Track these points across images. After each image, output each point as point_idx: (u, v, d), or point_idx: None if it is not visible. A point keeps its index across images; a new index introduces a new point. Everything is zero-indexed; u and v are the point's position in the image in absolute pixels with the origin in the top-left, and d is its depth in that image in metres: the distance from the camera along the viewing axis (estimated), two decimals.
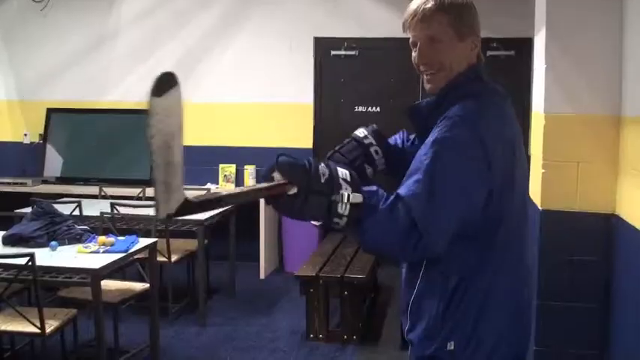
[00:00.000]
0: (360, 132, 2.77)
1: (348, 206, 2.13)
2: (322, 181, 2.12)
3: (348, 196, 2.13)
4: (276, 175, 2.12)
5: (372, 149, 2.73)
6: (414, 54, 2.45)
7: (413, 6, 2.42)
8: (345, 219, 2.15)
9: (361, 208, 2.15)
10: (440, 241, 2.22)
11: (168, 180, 1.94)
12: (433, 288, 2.36)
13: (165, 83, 1.92)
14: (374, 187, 2.22)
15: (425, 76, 2.45)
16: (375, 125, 2.81)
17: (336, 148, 2.78)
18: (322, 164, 2.16)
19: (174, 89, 1.93)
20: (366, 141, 2.73)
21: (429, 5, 2.37)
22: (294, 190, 2.11)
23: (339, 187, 2.14)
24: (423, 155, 2.26)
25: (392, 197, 2.19)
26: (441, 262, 2.33)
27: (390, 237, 2.19)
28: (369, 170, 2.70)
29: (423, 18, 2.38)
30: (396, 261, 2.30)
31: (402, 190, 2.22)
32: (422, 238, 2.16)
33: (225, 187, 9.02)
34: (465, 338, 2.34)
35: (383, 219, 2.16)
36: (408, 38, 2.45)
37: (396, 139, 2.84)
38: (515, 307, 2.45)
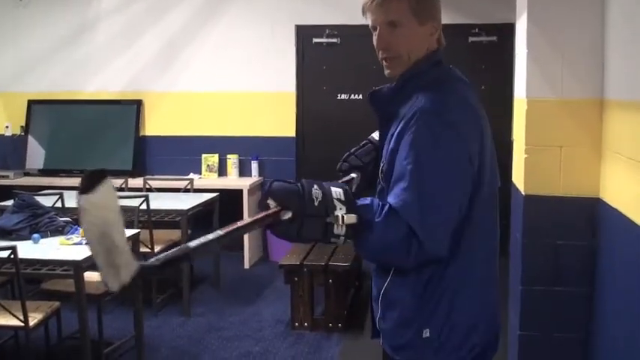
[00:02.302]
0: (377, 134, 2.74)
1: (344, 227, 2.15)
2: (316, 204, 2.13)
3: (343, 217, 2.14)
4: (271, 202, 2.14)
5: None
6: (374, 38, 2.44)
7: None
8: (342, 238, 2.17)
9: (357, 225, 2.16)
10: (443, 243, 2.24)
11: (113, 261, 1.91)
12: (407, 278, 2.36)
13: (93, 180, 1.89)
14: (368, 200, 2.23)
15: (384, 62, 2.46)
16: None
17: (352, 150, 2.81)
18: (315, 186, 2.17)
19: (103, 184, 1.89)
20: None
21: None
22: (288, 215, 2.12)
23: (334, 208, 2.15)
24: (404, 160, 2.24)
25: (385, 209, 2.19)
26: None
27: (390, 248, 2.20)
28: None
29: (382, 2, 2.37)
30: (402, 268, 2.30)
31: (392, 200, 2.22)
32: (423, 244, 2.17)
33: (208, 176, 8.99)
34: (439, 325, 2.35)
35: (380, 232, 2.17)
36: None
37: None
38: (489, 291, 2.48)
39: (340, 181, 2.62)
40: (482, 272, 2.42)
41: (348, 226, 2.15)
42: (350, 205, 2.17)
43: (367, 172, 2.72)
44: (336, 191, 2.18)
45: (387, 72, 2.46)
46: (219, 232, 2.10)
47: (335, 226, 2.14)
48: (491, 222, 2.46)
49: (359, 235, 2.18)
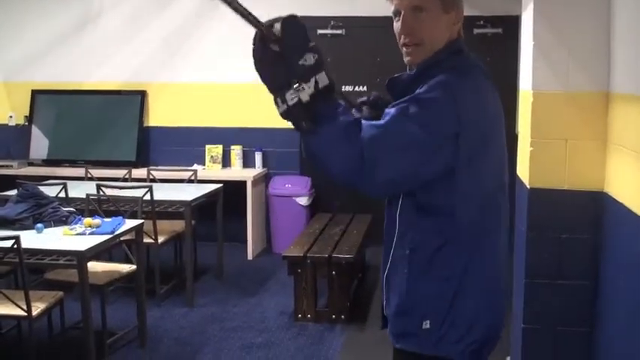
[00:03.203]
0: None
1: (295, 100, 2.09)
2: (299, 62, 2.08)
3: (302, 89, 2.08)
4: (277, 26, 2.07)
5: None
6: (396, 24, 2.41)
7: None
8: (285, 107, 2.11)
9: (307, 109, 2.10)
10: (377, 183, 2.20)
11: None
12: (402, 264, 2.37)
13: None
14: (353, 110, 2.20)
15: (405, 48, 2.42)
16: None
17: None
18: (316, 55, 2.09)
19: None
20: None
21: None
22: (275, 48, 2.08)
23: (307, 80, 2.08)
24: (397, 105, 2.25)
25: (356, 121, 2.17)
26: (411, 238, 2.34)
27: (337, 151, 2.15)
28: None
29: None
30: (330, 176, 2.22)
31: (364, 121, 2.20)
32: (363, 169, 2.14)
33: (211, 167, 8.98)
34: (441, 317, 2.35)
35: (338, 131, 2.13)
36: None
37: None
38: (494, 283, 2.45)
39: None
40: (488, 264, 2.40)
41: (296, 104, 2.09)
42: (320, 94, 2.09)
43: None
44: (324, 78, 2.10)
45: (406, 59, 2.43)
46: None
47: (290, 90, 2.08)
48: (499, 217, 2.45)
49: (316, 120, 2.13)
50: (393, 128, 2.17)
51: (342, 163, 2.16)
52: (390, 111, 2.24)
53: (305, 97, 2.08)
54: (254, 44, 2.11)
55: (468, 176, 2.26)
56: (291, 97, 2.09)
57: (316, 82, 2.08)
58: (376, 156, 2.13)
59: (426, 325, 2.34)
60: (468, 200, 2.30)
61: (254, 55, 2.12)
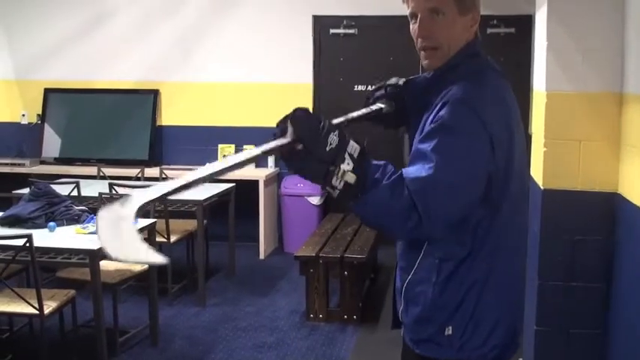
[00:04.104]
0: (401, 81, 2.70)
1: (342, 182, 2.11)
2: (327, 149, 2.09)
3: (344, 171, 2.10)
4: (289, 128, 2.09)
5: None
6: (413, 26, 2.38)
7: None
8: (337, 192, 2.13)
9: (358, 186, 2.12)
10: (439, 228, 2.21)
11: None
12: (430, 273, 2.35)
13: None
14: (383, 162, 2.19)
15: (423, 52, 2.39)
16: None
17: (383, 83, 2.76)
18: (337, 132, 2.11)
19: None
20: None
21: None
22: (299, 147, 2.09)
23: (342, 160, 2.10)
24: (425, 142, 2.21)
25: (396, 175, 2.16)
26: (440, 247, 2.32)
27: (389, 213, 2.16)
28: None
29: None
30: (393, 237, 2.27)
31: (405, 171, 2.18)
32: (422, 223, 2.13)
33: None
34: (463, 323, 2.34)
35: (384, 195, 2.13)
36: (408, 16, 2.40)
37: None
38: (514, 291, 2.45)
39: (368, 108, 2.67)
40: (509, 271, 2.39)
41: (346, 184, 2.11)
42: (359, 164, 2.13)
43: (397, 107, 2.65)
44: (353, 146, 2.13)
45: (424, 62, 2.41)
46: (237, 158, 2.07)
47: (335, 177, 2.11)
48: (520, 220, 2.44)
49: (363, 193, 2.14)
50: (437, 175, 2.14)
51: (399, 222, 2.17)
52: (424, 149, 2.20)
53: (350, 178, 2.12)
54: (281, 156, 2.15)
55: (499, 184, 2.25)
56: (337, 182, 2.12)
57: (350, 156, 2.12)
58: (430, 207, 2.13)
59: (449, 331, 2.34)
60: (495, 209, 2.29)
61: (286, 163, 2.16)
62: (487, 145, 2.19)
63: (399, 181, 2.14)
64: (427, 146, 2.19)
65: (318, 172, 2.12)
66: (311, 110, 2.14)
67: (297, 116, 2.10)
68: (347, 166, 2.10)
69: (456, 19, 2.33)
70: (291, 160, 2.13)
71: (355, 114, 2.59)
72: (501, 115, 2.28)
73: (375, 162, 2.18)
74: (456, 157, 2.17)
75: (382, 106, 2.68)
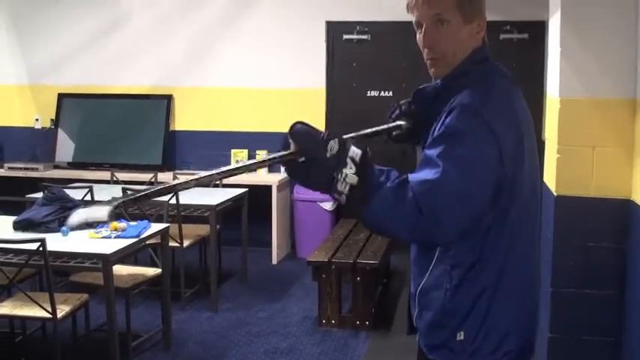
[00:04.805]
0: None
1: (347, 185, 2.13)
2: (328, 155, 2.13)
3: (347, 175, 2.12)
4: (292, 143, 2.16)
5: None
6: (419, 36, 2.39)
7: None
8: (344, 196, 2.15)
9: (362, 188, 2.13)
10: (450, 232, 2.20)
11: None
12: (442, 279, 2.35)
13: None
14: (387, 168, 2.20)
15: (429, 61, 2.40)
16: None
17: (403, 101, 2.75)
18: (335, 140, 2.15)
19: None
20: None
21: None
22: (302, 159, 2.15)
23: (344, 165, 2.13)
24: (433, 148, 2.21)
25: (401, 178, 2.17)
26: (450, 253, 2.32)
27: (394, 216, 2.15)
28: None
29: None
30: (399, 240, 2.27)
31: (411, 176, 2.19)
32: (429, 228, 2.14)
33: None
34: (475, 329, 2.33)
35: (388, 198, 2.14)
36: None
37: None
38: (526, 297, 2.43)
39: (387, 126, 2.67)
40: (521, 278, 2.38)
41: (352, 187, 2.13)
42: (361, 168, 2.14)
43: (416, 123, 2.66)
44: (355, 151, 2.16)
45: (431, 71, 2.41)
46: (243, 163, 2.24)
47: (339, 182, 2.13)
48: (531, 226, 2.42)
49: (367, 197, 2.14)
50: (444, 180, 2.14)
51: (403, 224, 2.17)
52: (430, 154, 2.21)
53: (352, 179, 2.14)
54: (285, 168, 2.22)
55: (508, 190, 2.24)
56: (343, 187, 2.14)
57: (352, 159, 2.14)
58: (437, 211, 2.13)
59: (460, 336, 2.33)
60: (504, 215, 2.28)
61: (291, 176, 2.23)
62: (494, 150, 2.19)
63: (403, 184, 2.15)
64: (433, 152, 2.19)
65: (321, 178, 2.16)
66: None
67: (296, 129, 2.18)
68: (349, 170, 2.13)
69: (461, 27, 2.33)
70: (293, 170, 2.19)
71: (369, 130, 2.63)
72: (509, 120, 2.27)
73: (378, 167, 2.19)
74: (462, 163, 2.17)
75: (402, 123, 2.69)
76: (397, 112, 2.72)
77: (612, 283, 4.23)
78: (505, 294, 2.33)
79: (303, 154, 2.14)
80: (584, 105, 4.17)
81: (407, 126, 2.66)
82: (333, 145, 2.14)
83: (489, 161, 2.19)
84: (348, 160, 2.13)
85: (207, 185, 1.91)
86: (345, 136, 2.23)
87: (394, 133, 2.70)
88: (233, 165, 2.24)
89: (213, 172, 2.19)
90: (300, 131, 2.17)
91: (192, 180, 2.17)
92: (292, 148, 2.16)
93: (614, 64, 4.14)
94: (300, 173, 2.18)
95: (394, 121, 2.72)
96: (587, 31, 4.17)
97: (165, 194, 2.16)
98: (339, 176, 2.13)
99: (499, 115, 2.23)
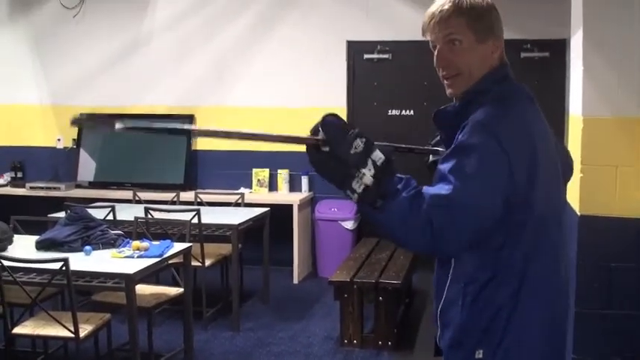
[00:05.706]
0: None
1: (362, 185, 2.16)
2: (351, 151, 2.17)
3: (364, 174, 2.16)
4: (320, 131, 2.22)
5: None
6: (435, 56, 2.43)
7: (431, 9, 2.42)
8: (356, 196, 2.18)
9: (376, 190, 2.16)
10: (453, 246, 2.25)
11: None
12: (457, 297, 2.36)
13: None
14: (406, 176, 2.21)
15: (445, 81, 2.44)
16: None
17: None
18: (364, 139, 2.19)
19: None
20: None
21: (446, 7, 2.37)
22: (326, 149, 2.19)
23: (364, 164, 2.17)
24: (446, 163, 2.24)
25: (416, 190, 2.19)
26: (463, 271, 2.33)
27: (406, 226, 2.18)
28: None
29: (440, 20, 2.38)
30: (404, 249, 2.30)
31: (426, 189, 2.22)
32: (436, 239, 2.16)
33: (258, 191, 9.02)
34: (492, 348, 2.32)
35: (403, 206, 2.16)
36: None
37: None
38: (547, 318, 2.39)
39: (423, 147, 2.79)
40: (540, 297, 2.35)
41: (366, 188, 2.16)
42: (380, 172, 2.17)
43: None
44: (378, 155, 2.19)
45: (448, 91, 2.45)
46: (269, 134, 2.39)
47: (355, 180, 2.16)
48: (550, 245, 2.39)
49: (382, 200, 2.17)
50: (454, 196, 2.17)
51: (413, 235, 2.19)
52: (443, 169, 2.24)
53: (368, 180, 2.16)
54: (308, 154, 2.25)
55: (521, 207, 2.24)
56: (358, 186, 2.17)
57: (373, 162, 2.17)
58: (443, 226, 2.16)
59: (479, 354, 2.32)
60: (518, 232, 2.28)
61: (312, 163, 2.25)
62: (504, 168, 2.20)
63: (418, 196, 2.17)
64: (446, 167, 2.23)
65: (338, 172, 2.20)
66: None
67: (327, 120, 2.23)
68: (368, 171, 2.16)
69: (474, 46, 2.37)
70: (314, 157, 2.23)
71: (404, 145, 2.73)
72: (523, 138, 2.28)
73: (398, 175, 2.22)
74: (470, 179, 2.19)
75: (440, 149, 2.75)
76: (437, 138, 2.76)
77: (636, 303, 4.20)
78: (524, 313, 2.31)
79: (328, 144, 2.18)
80: (607, 124, 4.16)
81: (444, 153, 2.68)
82: (359, 144, 2.17)
83: (498, 178, 2.21)
84: (369, 162, 2.17)
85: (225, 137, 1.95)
86: (376, 143, 2.23)
87: (431, 158, 2.75)
88: (257, 130, 2.32)
89: (234, 130, 2.26)
90: (331, 122, 2.22)
91: (209, 130, 2.22)
92: (320, 136, 2.20)
93: (637, 81, 4.12)
94: (319, 161, 2.22)
95: (433, 147, 2.78)
96: (610, 48, 4.16)
97: (175, 134, 2.25)
98: (357, 174, 2.16)
99: (512, 133, 2.25)
